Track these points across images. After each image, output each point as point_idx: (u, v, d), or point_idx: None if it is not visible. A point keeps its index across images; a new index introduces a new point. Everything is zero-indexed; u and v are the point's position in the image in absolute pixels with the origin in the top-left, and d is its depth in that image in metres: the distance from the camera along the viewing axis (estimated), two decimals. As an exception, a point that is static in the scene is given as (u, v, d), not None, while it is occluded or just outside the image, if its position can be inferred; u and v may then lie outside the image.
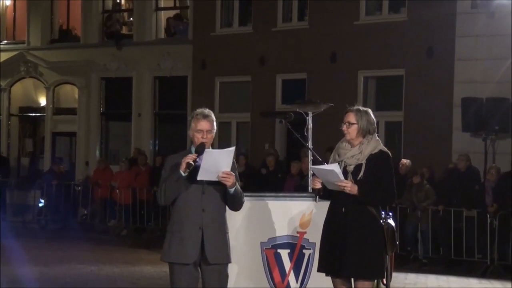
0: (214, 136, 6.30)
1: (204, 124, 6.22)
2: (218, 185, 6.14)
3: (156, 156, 19.96)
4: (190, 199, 6.15)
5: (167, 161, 6.34)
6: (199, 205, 6.15)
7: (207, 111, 6.30)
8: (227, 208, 6.31)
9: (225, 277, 6.28)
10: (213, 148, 6.26)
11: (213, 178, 6.05)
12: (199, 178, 6.03)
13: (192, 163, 6.00)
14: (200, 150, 6.10)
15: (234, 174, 6.11)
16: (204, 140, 6.19)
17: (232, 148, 6.14)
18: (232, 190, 6.14)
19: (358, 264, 6.33)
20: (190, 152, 6.19)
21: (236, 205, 6.32)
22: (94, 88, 22.79)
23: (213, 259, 6.16)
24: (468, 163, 14.57)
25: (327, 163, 6.67)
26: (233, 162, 6.17)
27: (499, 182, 13.94)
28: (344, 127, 6.54)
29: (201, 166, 5.99)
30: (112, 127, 23.36)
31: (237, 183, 6.17)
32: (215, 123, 6.28)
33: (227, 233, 6.29)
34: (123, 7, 23.72)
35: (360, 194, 6.35)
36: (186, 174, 6.03)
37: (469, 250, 13.94)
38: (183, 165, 6.02)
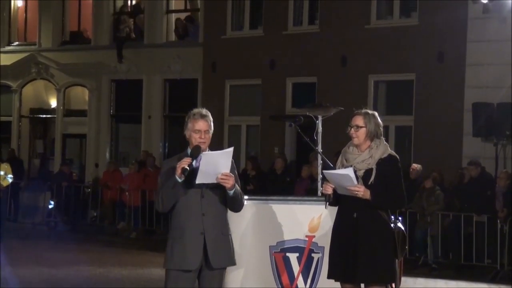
0: (211, 136, 6.10)
1: (202, 124, 6.03)
2: (217, 188, 5.94)
3: (166, 159, 19.89)
4: (189, 204, 5.97)
5: (163, 166, 6.20)
6: (198, 209, 5.96)
7: (204, 111, 6.12)
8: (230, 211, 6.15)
9: (223, 279, 6.19)
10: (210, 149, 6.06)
11: (212, 180, 5.85)
12: (197, 181, 5.85)
13: (187, 167, 5.79)
14: (195, 153, 5.91)
15: (233, 175, 5.92)
16: (202, 141, 6.00)
17: (231, 149, 5.94)
18: (231, 192, 5.94)
19: (371, 270, 6.30)
20: (187, 155, 6.00)
21: (236, 206, 6.13)
22: (105, 90, 22.83)
23: (216, 264, 6.02)
24: (478, 170, 14.45)
25: (335, 168, 6.61)
26: (232, 163, 5.98)
27: (510, 187, 13.88)
28: (352, 131, 6.45)
29: (200, 169, 5.80)
30: (122, 129, 23.38)
31: (236, 184, 5.97)
32: (212, 124, 6.09)
33: (230, 235, 6.13)
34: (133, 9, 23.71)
35: (373, 198, 6.30)
36: (182, 179, 5.83)
37: (479, 255, 13.89)
38: (178, 171, 5.81)
